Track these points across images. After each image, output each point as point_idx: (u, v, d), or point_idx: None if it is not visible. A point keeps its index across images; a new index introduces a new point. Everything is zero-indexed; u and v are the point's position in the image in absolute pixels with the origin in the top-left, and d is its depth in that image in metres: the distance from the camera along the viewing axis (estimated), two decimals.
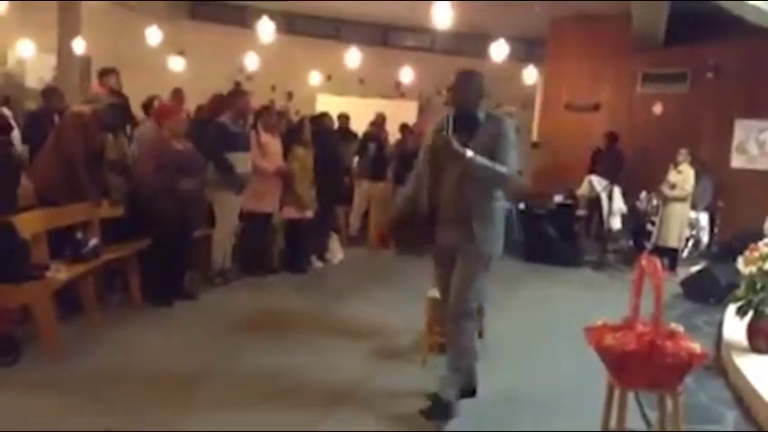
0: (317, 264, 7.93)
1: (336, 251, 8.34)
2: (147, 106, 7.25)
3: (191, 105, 8.30)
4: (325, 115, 8.65)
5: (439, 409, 3.85)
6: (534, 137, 13.03)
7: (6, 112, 5.81)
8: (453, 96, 4.02)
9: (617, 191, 9.43)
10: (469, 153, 3.77)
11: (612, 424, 3.31)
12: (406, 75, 13.06)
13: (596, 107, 11.91)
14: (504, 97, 13.82)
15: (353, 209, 9.66)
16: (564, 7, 11.12)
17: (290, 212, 7.42)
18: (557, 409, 4.19)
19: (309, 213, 7.51)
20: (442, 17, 7.19)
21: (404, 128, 9.82)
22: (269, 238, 7.48)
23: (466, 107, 3.94)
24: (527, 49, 12.94)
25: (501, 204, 4.00)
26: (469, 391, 4.15)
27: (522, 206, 9.63)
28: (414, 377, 4.56)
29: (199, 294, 6.16)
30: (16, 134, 5.88)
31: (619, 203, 9.39)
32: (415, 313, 5.40)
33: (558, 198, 9.82)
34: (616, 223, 9.36)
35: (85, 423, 3.51)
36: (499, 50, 9.50)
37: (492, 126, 3.90)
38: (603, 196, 9.32)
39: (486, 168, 3.80)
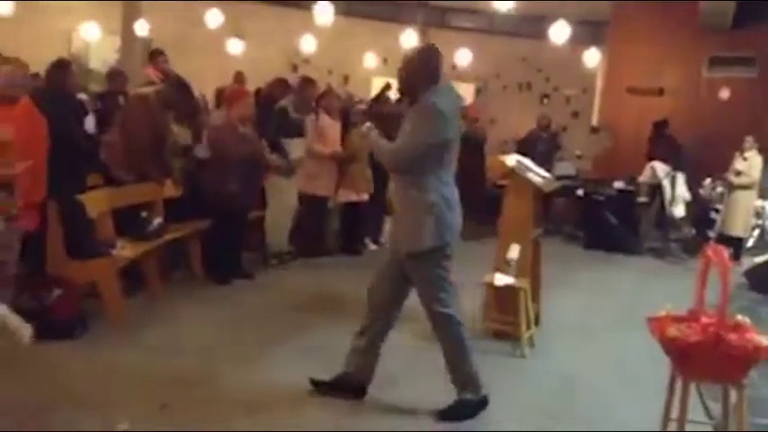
0: (372, 246, 7.96)
1: None
2: (218, 96, 7.39)
3: (250, 88, 8.39)
4: (388, 88, 8.62)
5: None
6: (594, 121, 12.75)
7: (84, 97, 5.99)
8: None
9: (680, 178, 9.17)
10: (366, 128, 3.59)
11: (674, 414, 3.24)
12: (463, 57, 12.90)
13: (660, 91, 11.56)
14: (564, 80, 13.59)
15: None
16: None
17: (346, 195, 7.46)
18: (616, 398, 4.13)
19: (365, 196, 7.54)
20: None
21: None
22: (324, 221, 7.54)
23: (405, 87, 3.64)
24: (589, 31, 12.61)
25: (422, 195, 3.51)
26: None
27: (580, 192, 9.47)
28: None
29: (255, 274, 6.26)
30: (90, 118, 6.06)
31: (682, 191, 9.13)
32: (468, 296, 5.38)
33: (619, 184, 9.61)
34: (679, 211, 9.10)
35: (148, 395, 3.63)
36: (560, 32, 9.28)
37: (417, 106, 3.55)
38: (666, 183, 9.07)
39: (377, 146, 3.57)
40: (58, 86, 5.04)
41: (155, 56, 7.32)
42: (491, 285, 4.68)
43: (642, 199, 9.58)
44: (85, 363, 4.02)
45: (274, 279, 6.32)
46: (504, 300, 4.72)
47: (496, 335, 4.83)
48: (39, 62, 5.44)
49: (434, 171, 3.51)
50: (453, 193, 3.63)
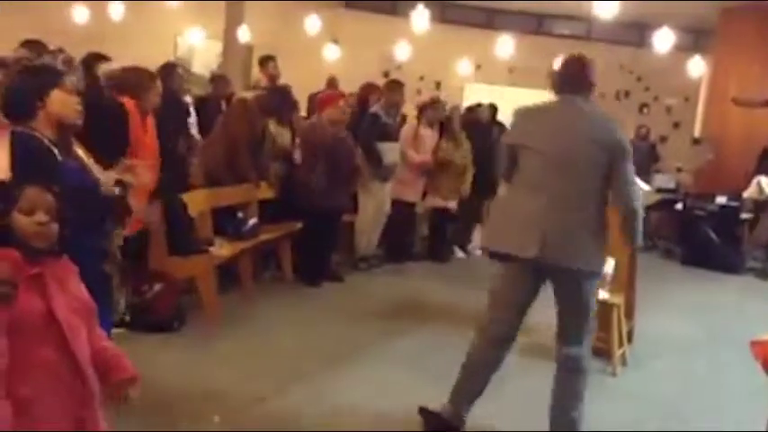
0: (459, 254, 7.93)
1: (479, 243, 8.29)
2: (310, 102, 7.55)
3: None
4: (479, 106, 8.60)
5: None
6: (697, 132, 12.24)
7: (188, 99, 6.26)
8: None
9: None
10: None
11: None
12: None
13: (767, 103, 10.96)
14: (666, 89, 13.13)
15: None
16: None
17: (433, 201, 7.46)
18: (716, 424, 3.94)
19: (452, 204, 7.50)
20: (606, 5, 6.87)
21: None
22: (412, 226, 7.56)
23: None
24: (693, 38, 12.15)
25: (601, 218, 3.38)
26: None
27: (679, 206, 9.10)
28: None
29: (344, 277, 6.35)
30: (193, 120, 6.31)
31: None
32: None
33: (721, 199, 9.17)
34: None
35: (239, 390, 3.75)
36: (664, 40, 8.97)
37: None
38: None
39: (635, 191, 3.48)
40: (164, 89, 5.27)
41: (265, 61, 7.54)
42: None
43: (746, 215, 9.10)
44: (181, 353, 4.19)
45: (362, 283, 6.39)
46: (598, 315, 4.57)
47: (596, 353, 4.70)
48: (146, 65, 5.70)
49: None
50: None
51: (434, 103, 7.58)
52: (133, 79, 4.29)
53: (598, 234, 3.31)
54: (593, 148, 3.25)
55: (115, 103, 4.14)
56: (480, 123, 8.38)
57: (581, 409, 3.42)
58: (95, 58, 4.95)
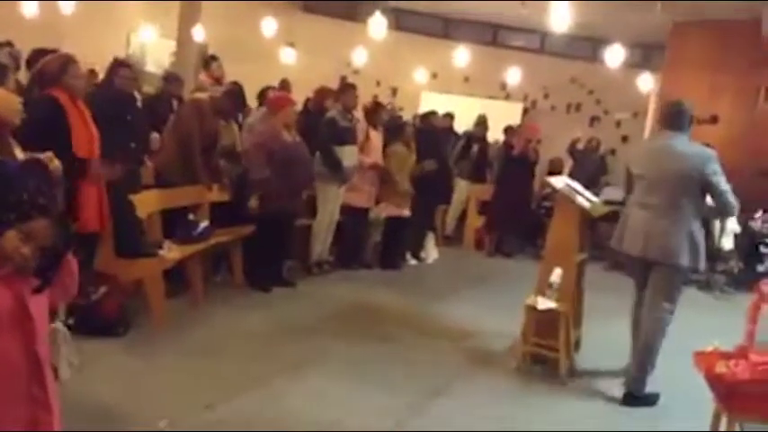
0: (412, 261, 7.95)
1: (431, 250, 8.33)
2: (261, 96, 7.46)
3: (299, 97, 8.48)
4: (433, 114, 8.65)
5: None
6: None
7: (138, 97, 6.14)
8: None
9: None
10: None
11: None
12: (513, 76, 12.86)
13: (714, 119, 11.31)
14: (616, 104, 13.43)
15: (451, 209, 9.61)
16: (688, 10, 10.60)
17: (388, 209, 7.46)
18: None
19: (406, 212, 7.52)
20: (559, 18, 6.99)
21: (509, 130, 9.67)
22: (364, 233, 7.55)
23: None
24: (643, 54, 12.46)
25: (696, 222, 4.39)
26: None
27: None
28: (505, 383, 4.51)
29: (295, 283, 6.29)
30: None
31: (732, 223, 8.90)
32: (509, 317, 5.34)
33: None
34: (728, 243, 8.86)
35: (186, 397, 3.68)
36: (614, 56, 9.17)
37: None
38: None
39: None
40: (111, 86, 5.16)
41: (209, 62, 7.45)
42: (533, 308, 4.62)
43: None
44: (127, 359, 4.09)
45: (313, 289, 6.34)
46: (545, 323, 4.65)
47: (536, 358, 4.77)
48: (96, 60, 5.57)
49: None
50: None
51: (375, 107, 7.56)
52: (50, 67, 4.16)
53: (690, 237, 4.24)
54: (682, 172, 4.23)
55: (47, 96, 4.04)
56: (435, 131, 8.43)
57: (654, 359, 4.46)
58: (40, 54, 4.80)
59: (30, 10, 10.65)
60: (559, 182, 4.95)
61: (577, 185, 5.06)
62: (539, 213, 9.31)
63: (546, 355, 4.70)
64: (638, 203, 4.44)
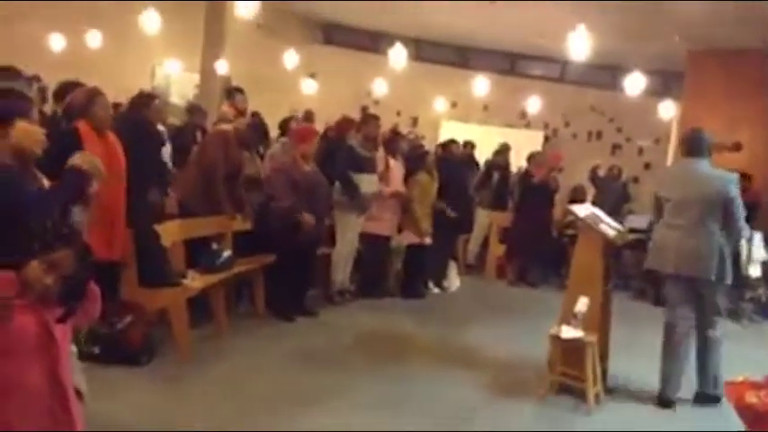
0: (434, 290, 7.91)
1: (454, 279, 8.29)
2: (283, 126, 7.54)
3: (319, 127, 8.56)
4: (453, 142, 8.67)
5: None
6: None
7: (161, 128, 6.23)
8: None
9: (757, 236, 8.80)
10: None
11: None
12: (533, 104, 12.89)
13: (737, 146, 11.21)
14: (637, 131, 13.39)
15: (472, 237, 9.58)
16: (702, 39, 10.60)
17: (409, 238, 7.45)
18: None
19: (428, 240, 7.51)
20: (579, 47, 7.01)
21: (532, 158, 9.64)
22: (386, 262, 7.54)
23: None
24: (663, 81, 12.44)
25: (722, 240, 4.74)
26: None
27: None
28: (531, 414, 4.44)
29: (317, 312, 6.28)
30: (167, 149, 6.28)
31: (760, 251, 8.76)
32: (533, 348, 5.27)
33: None
34: (755, 271, 8.72)
35: (209, 426, 3.66)
36: (635, 84, 9.16)
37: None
38: (743, 242, 8.73)
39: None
40: (138, 118, 5.24)
41: (232, 94, 7.57)
42: (557, 338, 4.56)
43: None
44: (151, 388, 4.09)
45: (335, 318, 6.31)
46: (570, 353, 4.59)
47: (562, 389, 4.70)
48: (122, 93, 5.69)
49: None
50: None
51: (394, 136, 7.60)
52: (76, 100, 4.27)
53: (717, 252, 4.59)
54: (706, 194, 4.61)
55: (69, 128, 4.13)
56: (455, 159, 8.45)
57: (721, 371, 4.77)
58: (67, 87, 4.91)
59: (57, 44, 10.91)
60: (583, 210, 4.92)
61: (601, 213, 5.02)
62: (561, 241, 9.24)
63: (572, 385, 4.63)
64: (667, 225, 4.78)
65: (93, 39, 10.98)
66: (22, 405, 1.91)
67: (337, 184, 6.65)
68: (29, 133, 2.53)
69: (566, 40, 7.25)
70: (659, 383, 4.83)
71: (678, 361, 4.80)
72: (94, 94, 4.36)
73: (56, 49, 10.88)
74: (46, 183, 2.78)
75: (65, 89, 4.94)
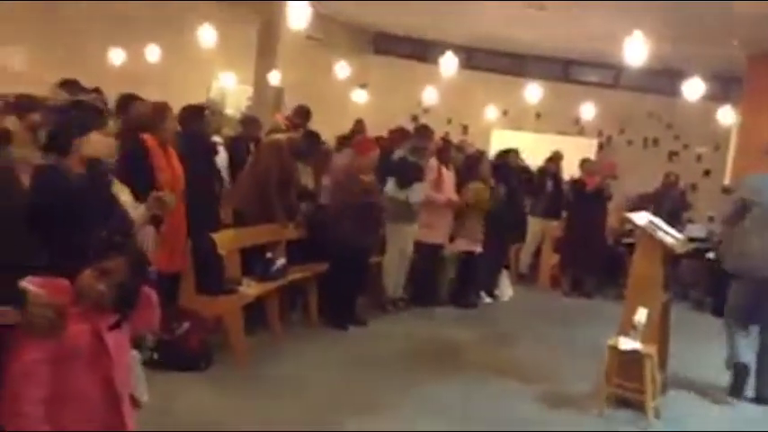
0: (486, 299, 7.84)
1: (506, 288, 8.21)
2: (339, 143, 7.66)
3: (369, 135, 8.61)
4: (512, 151, 8.59)
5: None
6: (727, 180, 12.10)
7: (217, 139, 6.36)
8: None
9: None
10: None
11: None
12: (587, 111, 12.71)
13: None
14: (695, 137, 13.06)
15: (525, 246, 9.47)
16: (762, 43, 10.27)
17: (461, 245, 7.42)
18: None
19: (478, 247, 7.45)
20: (635, 53, 6.87)
21: (584, 164, 9.49)
22: (438, 270, 7.51)
23: None
24: (722, 87, 12.11)
25: None
26: None
27: (711, 255, 8.92)
28: (587, 427, 4.36)
29: (368, 321, 6.29)
30: (221, 158, 6.39)
31: None
32: (588, 360, 5.18)
33: None
34: None
35: (267, 428, 3.72)
36: (694, 89, 8.94)
37: None
38: None
39: None
40: (191, 130, 5.37)
41: (280, 101, 7.65)
42: (615, 349, 4.47)
43: None
44: (209, 393, 4.17)
45: (387, 327, 6.31)
46: (628, 365, 4.49)
47: (619, 402, 4.60)
48: (180, 106, 5.83)
49: None
50: None
51: (446, 146, 7.60)
52: (147, 115, 4.41)
53: None
54: None
55: (137, 140, 4.27)
56: (509, 168, 8.39)
57: None
58: (128, 100, 5.06)
59: (117, 58, 11.26)
60: (641, 218, 4.81)
61: (660, 222, 4.90)
62: (617, 250, 9.07)
63: (630, 398, 4.53)
64: (757, 229, 4.99)
65: (152, 53, 11.29)
66: (75, 413, 1.95)
67: (386, 192, 6.66)
68: (102, 144, 2.63)
69: (621, 46, 7.12)
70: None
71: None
72: (164, 109, 4.52)
73: (116, 62, 11.22)
74: (124, 195, 2.88)
75: (125, 102, 5.09)
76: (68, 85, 6.12)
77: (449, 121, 13.89)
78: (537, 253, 9.59)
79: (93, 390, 1.98)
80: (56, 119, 2.82)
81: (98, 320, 2.01)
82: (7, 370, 1.81)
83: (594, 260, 8.78)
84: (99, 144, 2.62)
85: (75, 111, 2.84)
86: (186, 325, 4.46)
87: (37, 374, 1.86)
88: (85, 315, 1.98)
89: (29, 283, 1.83)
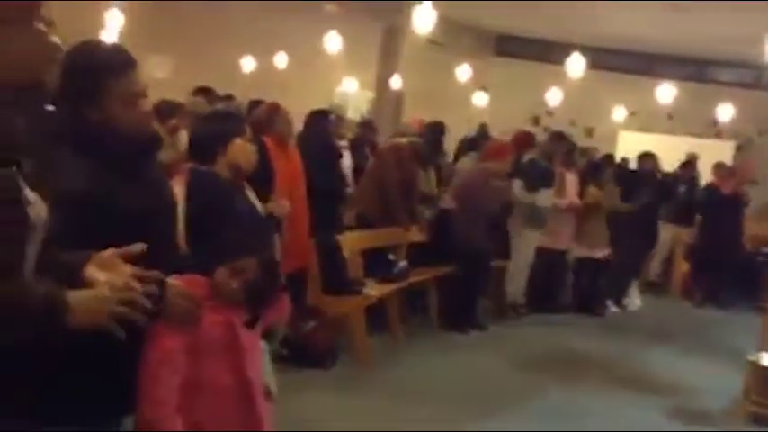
0: (613, 308, 7.57)
1: (634, 298, 7.88)
2: (461, 146, 7.66)
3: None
4: (649, 156, 8.24)
5: None
6: None
7: (343, 143, 6.55)
8: None
9: None
10: None
11: None
12: (725, 112, 11.98)
13: None
14: None
15: (656, 253, 9.03)
16: None
17: (580, 250, 7.20)
18: None
19: (600, 253, 7.20)
20: None
21: (717, 168, 8.94)
22: (561, 276, 7.33)
23: None
24: None
25: None
26: None
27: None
28: None
29: (488, 325, 6.24)
30: (346, 161, 6.54)
31: None
32: (724, 375, 4.89)
33: None
34: None
35: (392, 426, 3.79)
36: None
37: None
38: None
39: None
40: (315, 134, 5.53)
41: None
42: (756, 365, 4.19)
43: None
44: (334, 391, 4.30)
45: (508, 332, 6.24)
46: (759, 380, 4.20)
47: (758, 419, 4.31)
48: (304, 110, 6.04)
49: None
50: None
51: (569, 151, 7.39)
52: (260, 115, 4.54)
53: None
54: None
55: (258, 142, 4.42)
56: (638, 172, 8.08)
57: None
58: (257, 105, 5.29)
59: (248, 65, 11.82)
60: None
61: None
62: (756, 260, 8.50)
63: (760, 412, 4.23)
64: None
65: (281, 60, 11.75)
66: (211, 404, 2.00)
67: (513, 195, 6.57)
68: (244, 151, 2.76)
69: (762, 46, 6.69)
70: None
71: None
72: (274, 108, 4.65)
73: (247, 70, 11.77)
74: (253, 199, 3.02)
75: (255, 107, 5.33)
76: (203, 92, 6.51)
77: (572, 123, 13.50)
78: (667, 260, 9.15)
79: (228, 381, 2.05)
80: (200, 126, 3.01)
81: (232, 315, 2.08)
82: (146, 358, 1.90)
83: (730, 269, 8.27)
84: (241, 150, 2.74)
85: (216, 120, 3.00)
86: (312, 323, 4.60)
87: (174, 362, 1.93)
88: (219, 308, 2.05)
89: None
